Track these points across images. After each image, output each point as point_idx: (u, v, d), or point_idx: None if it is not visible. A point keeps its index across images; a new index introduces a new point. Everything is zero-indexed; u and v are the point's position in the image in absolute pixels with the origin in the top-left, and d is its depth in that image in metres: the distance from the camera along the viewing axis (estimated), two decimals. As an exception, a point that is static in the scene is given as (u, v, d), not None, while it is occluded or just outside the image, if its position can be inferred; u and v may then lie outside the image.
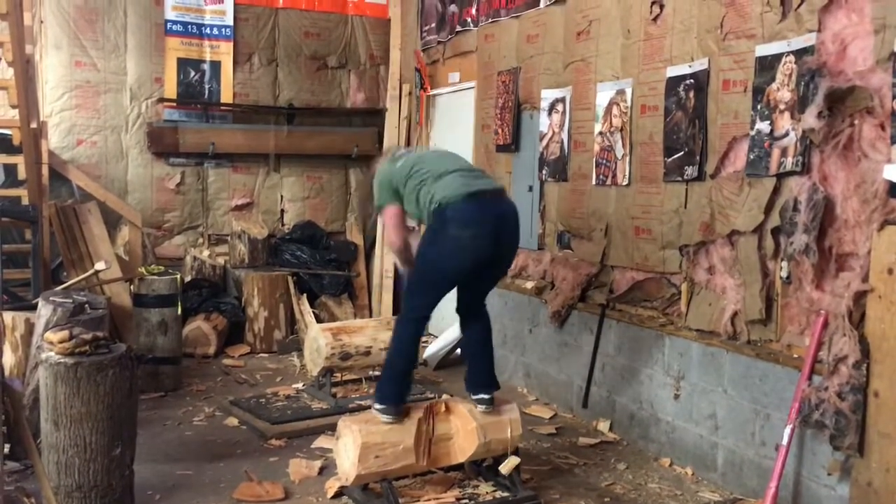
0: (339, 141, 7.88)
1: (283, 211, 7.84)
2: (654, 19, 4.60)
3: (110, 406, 3.37)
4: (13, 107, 5.34)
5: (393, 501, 3.57)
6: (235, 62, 7.50)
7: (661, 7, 4.54)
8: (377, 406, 3.73)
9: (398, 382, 3.79)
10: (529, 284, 5.74)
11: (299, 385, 5.70)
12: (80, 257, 6.06)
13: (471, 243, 3.63)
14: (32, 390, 4.04)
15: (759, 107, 3.87)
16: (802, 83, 3.58)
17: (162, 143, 7.19)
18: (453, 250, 3.65)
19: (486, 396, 3.90)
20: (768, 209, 3.81)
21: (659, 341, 4.55)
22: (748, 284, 3.94)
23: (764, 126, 3.84)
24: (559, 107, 5.45)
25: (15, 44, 4.96)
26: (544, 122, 5.61)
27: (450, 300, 4.02)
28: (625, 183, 4.84)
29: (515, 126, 5.97)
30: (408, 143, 7.73)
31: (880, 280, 3.23)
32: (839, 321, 3.39)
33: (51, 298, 4.23)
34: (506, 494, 3.85)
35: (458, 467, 4.01)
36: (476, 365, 3.99)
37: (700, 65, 4.25)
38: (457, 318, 4.11)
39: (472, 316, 4.01)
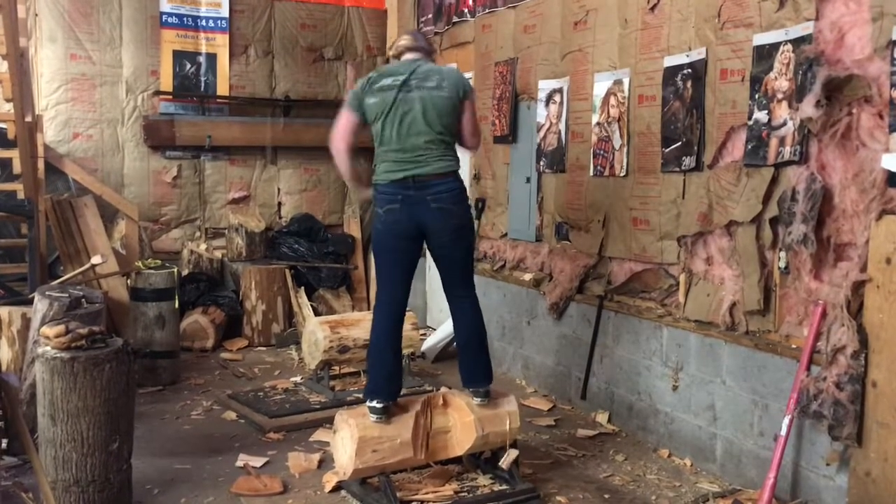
0: (336, 133, 7.84)
1: (280, 204, 7.82)
2: (652, 8, 4.57)
3: (107, 400, 3.37)
4: (7, 100, 5.32)
5: (390, 495, 3.56)
6: (231, 54, 7.47)
7: (659, -4, 4.52)
8: (366, 402, 3.74)
9: (373, 378, 3.77)
10: (527, 276, 5.74)
11: (297, 378, 5.70)
12: (77, 251, 6.05)
13: (386, 217, 3.81)
14: (29, 385, 4.03)
15: (756, 96, 3.86)
16: (800, 72, 3.57)
17: (158, 137, 7.16)
18: (378, 227, 3.87)
19: (479, 389, 3.88)
20: (766, 199, 3.80)
21: (657, 332, 4.54)
22: (746, 275, 3.93)
23: (762, 115, 3.82)
24: (556, 97, 5.43)
25: (9, 37, 4.95)
26: (542, 113, 5.59)
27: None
28: (622, 174, 4.82)
29: (513, 117, 5.94)
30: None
31: (878, 270, 3.22)
32: (837, 311, 3.38)
33: (47, 293, 4.21)
34: (504, 487, 3.85)
35: (457, 460, 4.00)
36: (466, 357, 3.94)
37: (697, 54, 4.23)
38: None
39: (455, 306, 3.96)
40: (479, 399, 3.87)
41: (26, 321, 4.39)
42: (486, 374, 3.93)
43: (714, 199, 4.13)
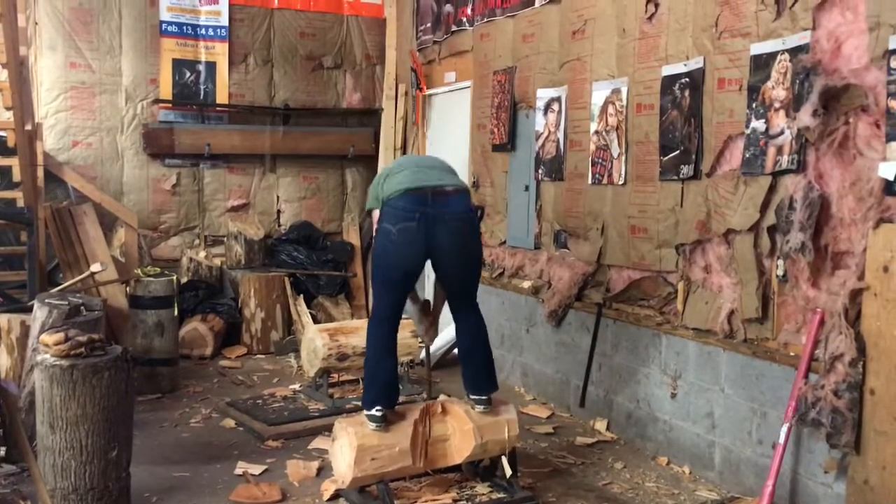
0: (335, 141, 7.87)
1: (279, 211, 7.83)
2: (650, 18, 4.59)
3: (106, 408, 3.37)
4: (7, 108, 5.33)
5: (389, 503, 3.56)
6: (231, 63, 7.49)
7: (657, 6, 4.54)
8: (364, 413, 3.71)
9: (372, 387, 3.75)
10: (526, 284, 5.74)
11: (296, 386, 5.70)
12: (76, 259, 6.05)
13: (398, 237, 3.64)
14: (28, 393, 4.03)
15: (754, 105, 3.88)
16: (797, 81, 3.58)
17: (158, 145, 7.17)
18: (385, 245, 3.70)
19: (482, 397, 3.89)
20: (764, 207, 3.81)
21: (656, 340, 4.55)
22: (744, 283, 3.94)
23: (759, 124, 3.84)
24: (555, 106, 5.45)
25: (9, 45, 4.96)
26: (540, 122, 5.61)
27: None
28: (621, 182, 4.83)
29: (511, 125, 5.96)
30: (404, 143, 7.73)
31: (876, 278, 3.23)
32: (835, 319, 3.39)
33: (46, 300, 4.22)
34: (503, 495, 3.84)
35: (455, 468, 4.00)
36: (470, 366, 3.95)
37: (695, 63, 4.25)
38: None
39: (461, 316, 3.97)
40: (481, 406, 3.87)
41: (25, 329, 4.39)
42: (491, 382, 3.95)
43: (712, 207, 4.14)
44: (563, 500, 3.93)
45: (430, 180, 3.72)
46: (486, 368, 3.94)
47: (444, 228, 3.67)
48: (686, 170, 4.31)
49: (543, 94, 5.57)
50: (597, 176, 5.05)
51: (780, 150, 3.72)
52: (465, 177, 6.53)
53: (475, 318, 3.96)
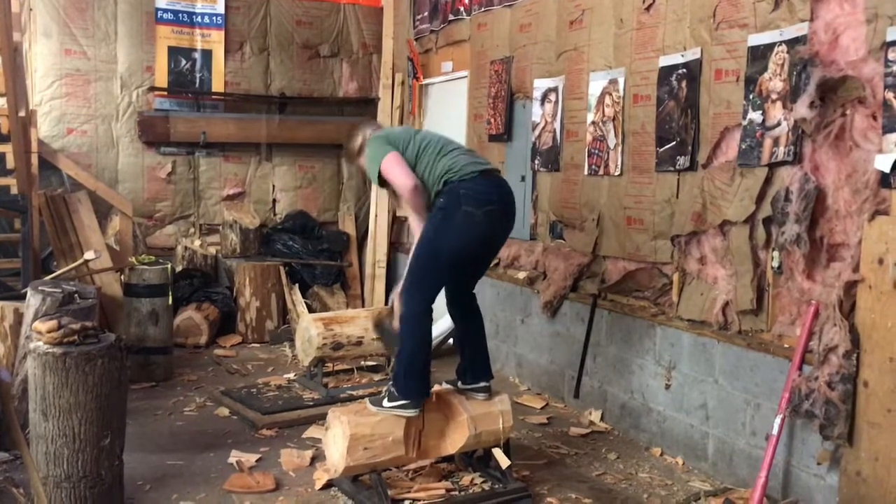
0: (331, 130, 7.84)
1: (274, 200, 7.82)
2: (647, 8, 4.58)
3: (99, 396, 3.35)
4: (1, 95, 5.30)
5: (382, 493, 3.56)
6: (227, 51, 7.46)
7: (654, -4, 4.52)
8: (399, 402, 3.59)
9: (422, 378, 3.66)
10: (521, 275, 5.74)
11: (291, 375, 5.70)
12: (70, 247, 6.03)
13: (484, 219, 3.58)
14: (21, 380, 4.02)
15: (751, 96, 3.86)
16: (794, 73, 3.57)
17: (153, 133, 7.15)
18: (466, 228, 3.57)
19: (484, 384, 3.90)
20: (760, 199, 3.81)
21: (650, 331, 4.55)
22: (740, 274, 3.94)
23: (756, 116, 3.83)
24: (552, 96, 5.43)
25: (2, 31, 4.93)
26: (537, 112, 5.59)
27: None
28: (617, 173, 4.82)
29: (508, 115, 5.95)
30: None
31: (871, 270, 3.23)
32: (830, 311, 3.40)
33: (40, 288, 4.20)
34: (495, 486, 3.85)
35: (448, 458, 4.00)
36: (474, 355, 3.94)
37: (692, 54, 4.24)
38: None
39: (467, 307, 3.96)
40: (483, 395, 3.88)
41: (19, 316, 4.38)
42: (490, 370, 3.98)
43: (708, 198, 4.13)
44: (556, 490, 3.94)
45: (488, 165, 3.79)
46: (487, 356, 3.98)
47: (511, 212, 3.77)
48: (682, 161, 4.30)
49: (540, 85, 5.55)
50: (593, 167, 5.04)
51: (776, 142, 3.72)
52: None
53: (478, 308, 3.99)
